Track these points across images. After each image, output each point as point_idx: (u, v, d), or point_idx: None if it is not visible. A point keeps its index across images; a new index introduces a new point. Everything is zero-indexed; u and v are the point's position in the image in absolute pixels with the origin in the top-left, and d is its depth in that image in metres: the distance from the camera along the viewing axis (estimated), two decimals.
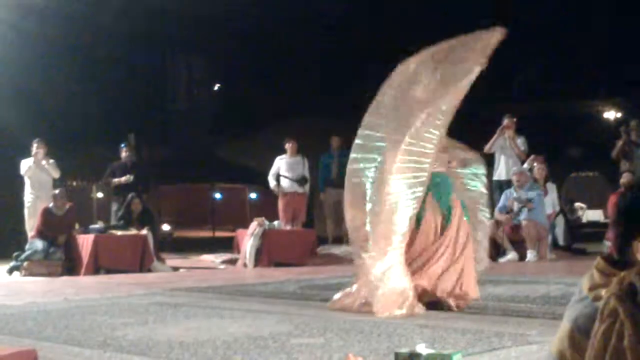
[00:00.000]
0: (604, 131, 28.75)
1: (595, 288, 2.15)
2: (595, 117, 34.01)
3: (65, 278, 11.36)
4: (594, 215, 19.78)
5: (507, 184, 13.59)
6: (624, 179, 13.32)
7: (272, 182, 14.80)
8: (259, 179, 23.41)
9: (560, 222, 13.83)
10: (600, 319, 1.75)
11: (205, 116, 36.08)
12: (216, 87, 38.17)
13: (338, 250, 14.54)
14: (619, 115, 32.23)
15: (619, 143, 14.42)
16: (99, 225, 13.33)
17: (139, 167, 14.82)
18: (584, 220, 16.77)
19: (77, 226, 12.85)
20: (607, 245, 13.06)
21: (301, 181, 14.69)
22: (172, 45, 31.40)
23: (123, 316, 6.46)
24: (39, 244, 12.24)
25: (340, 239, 15.75)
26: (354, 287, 6.65)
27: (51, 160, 13.84)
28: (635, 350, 1.66)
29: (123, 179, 14.13)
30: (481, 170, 7.23)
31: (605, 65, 31.58)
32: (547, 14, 29.95)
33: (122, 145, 14.77)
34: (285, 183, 14.78)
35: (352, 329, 5.52)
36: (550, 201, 13.47)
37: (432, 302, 6.46)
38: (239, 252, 13.39)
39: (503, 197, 12.99)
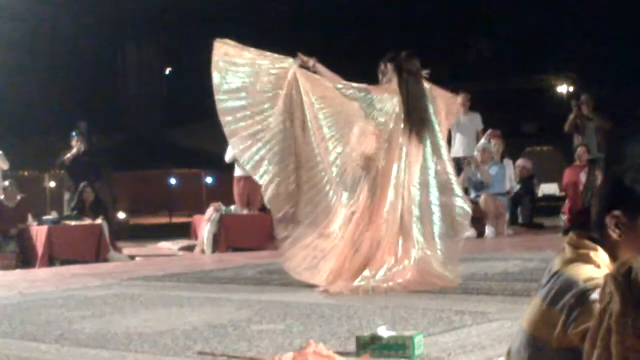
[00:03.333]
0: (557, 105, 29.01)
1: (567, 263, 2.17)
2: (548, 92, 34.29)
3: (19, 271, 11.21)
4: (549, 189, 19.95)
5: (463, 160, 13.67)
6: (579, 152, 13.42)
7: (228, 158, 14.65)
8: (214, 163, 23.30)
9: (525, 201, 13.95)
10: (601, 299, 1.79)
11: (158, 101, 35.83)
12: (167, 72, 37.89)
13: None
14: (571, 89, 32.52)
15: (571, 117, 14.54)
16: (52, 215, 13.17)
17: (90, 155, 14.67)
18: (540, 194, 16.90)
19: (30, 217, 12.69)
20: (563, 218, 13.18)
21: None
22: (122, 30, 31.09)
23: (79, 309, 6.39)
24: None
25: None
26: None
27: None
28: (620, 323, 1.68)
29: (74, 150, 13.97)
30: None
31: (557, 39, 31.83)
32: None
33: (73, 133, 14.64)
34: (239, 167, 14.71)
35: (312, 314, 5.51)
36: (507, 177, 13.57)
37: None
38: (196, 238, 13.32)
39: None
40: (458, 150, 13.99)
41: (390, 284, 6.51)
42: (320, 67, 7.08)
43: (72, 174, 14.18)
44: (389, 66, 7.03)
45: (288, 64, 7.02)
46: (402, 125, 6.85)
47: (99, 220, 12.47)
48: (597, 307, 1.82)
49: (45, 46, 25.91)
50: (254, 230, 13.12)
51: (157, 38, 34.70)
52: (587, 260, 2.17)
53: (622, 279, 1.73)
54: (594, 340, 1.76)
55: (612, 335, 1.70)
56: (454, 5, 30.20)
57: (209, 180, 29.34)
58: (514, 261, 8.36)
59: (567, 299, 2.09)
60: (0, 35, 21.12)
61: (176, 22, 31.62)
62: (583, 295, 2.06)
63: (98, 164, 15.10)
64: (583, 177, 12.71)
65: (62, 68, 27.20)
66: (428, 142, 6.99)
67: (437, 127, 7.09)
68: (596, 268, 2.13)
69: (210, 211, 13.01)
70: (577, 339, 2.01)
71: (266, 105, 7.04)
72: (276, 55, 7.14)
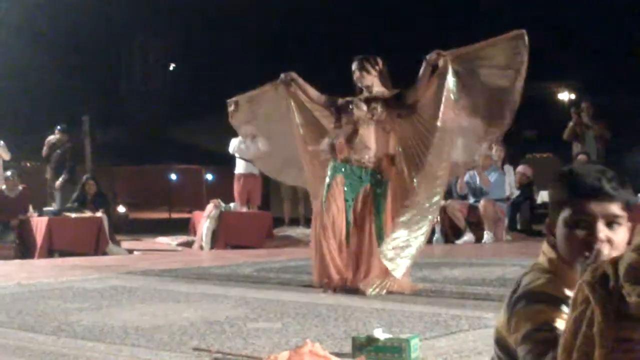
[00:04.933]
0: (558, 113, 28.98)
1: (529, 268, 2.20)
2: (550, 99, 34.27)
3: (18, 261, 11.20)
4: (547, 196, 19.93)
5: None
6: (579, 160, 13.35)
7: (232, 149, 14.70)
8: (215, 160, 23.28)
9: (525, 207, 13.91)
10: (573, 306, 1.75)
11: (161, 97, 35.79)
12: (171, 68, 37.87)
13: (294, 232, 14.54)
14: (572, 96, 32.51)
15: (571, 125, 14.51)
16: (53, 207, 13.17)
17: (68, 149, 14.81)
18: (539, 201, 16.90)
19: (30, 208, 12.69)
20: None
21: None
22: (126, 25, 31.09)
23: (77, 301, 6.38)
24: None
25: (297, 220, 15.75)
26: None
27: (1, 142, 13.66)
28: (603, 337, 1.65)
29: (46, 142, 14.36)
30: None
31: (559, 47, 31.83)
32: None
33: (58, 127, 14.85)
34: (240, 164, 14.71)
35: (309, 313, 5.50)
36: (507, 183, 13.54)
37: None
38: (195, 234, 13.32)
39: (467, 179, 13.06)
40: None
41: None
42: (300, 81, 7.32)
43: (52, 169, 14.53)
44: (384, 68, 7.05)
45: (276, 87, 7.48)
46: None
47: (99, 214, 12.47)
48: (570, 314, 1.79)
49: (49, 38, 25.91)
50: (252, 228, 13.14)
51: (162, 34, 34.65)
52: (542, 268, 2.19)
53: (600, 288, 1.70)
54: (568, 351, 1.73)
55: (597, 349, 1.67)
56: (453, 10, 30.19)
57: (209, 177, 29.33)
58: (511, 267, 8.34)
59: (506, 306, 2.16)
60: (7, 27, 21.15)
61: (182, 18, 31.60)
62: (515, 303, 2.11)
63: (73, 157, 15.21)
64: None
65: (66, 60, 27.22)
66: None
67: None
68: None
69: (210, 208, 13.01)
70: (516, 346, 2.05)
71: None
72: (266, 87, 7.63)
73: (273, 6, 29.46)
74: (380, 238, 6.62)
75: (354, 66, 6.97)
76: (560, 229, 2.15)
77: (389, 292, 6.44)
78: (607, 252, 2.03)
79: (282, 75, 7.36)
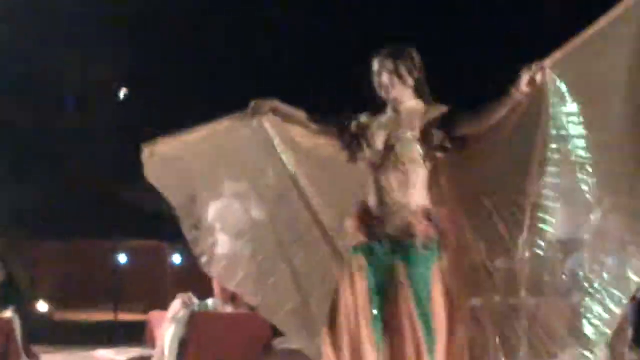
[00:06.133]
0: None
1: None
2: None
3: None
4: None
5: None
6: None
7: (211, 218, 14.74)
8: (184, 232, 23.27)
9: None
10: None
11: (106, 137, 35.99)
12: (121, 94, 38.20)
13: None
14: None
15: None
16: None
17: None
18: None
19: None
20: None
21: None
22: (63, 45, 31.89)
23: None
24: None
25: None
26: None
27: None
28: None
29: None
30: None
31: None
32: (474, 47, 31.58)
33: None
34: (223, 240, 14.66)
35: None
36: (632, 272, 13.48)
37: None
38: (153, 345, 13.22)
39: None
40: None
41: None
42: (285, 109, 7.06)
43: None
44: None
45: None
46: None
47: (8, 313, 12.41)
48: None
49: None
50: (241, 337, 13.01)
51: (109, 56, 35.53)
52: None
53: None
54: None
55: None
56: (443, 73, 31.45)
57: (176, 258, 29.43)
58: None
59: None
60: None
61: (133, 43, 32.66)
62: None
63: None
64: None
65: None
66: None
67: None
68: None
69: (176, 305, 12.91)
70: None
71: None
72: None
73: (249, 34, 30.54)
74: (429, 334, 6.35)
75: (377, 65, 6.63)
76: None
77: None
78: None
79: (253, 103, 7.05)
